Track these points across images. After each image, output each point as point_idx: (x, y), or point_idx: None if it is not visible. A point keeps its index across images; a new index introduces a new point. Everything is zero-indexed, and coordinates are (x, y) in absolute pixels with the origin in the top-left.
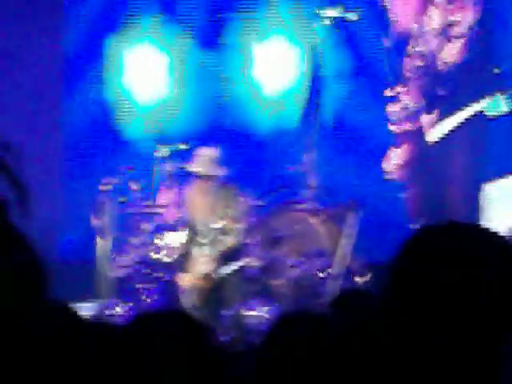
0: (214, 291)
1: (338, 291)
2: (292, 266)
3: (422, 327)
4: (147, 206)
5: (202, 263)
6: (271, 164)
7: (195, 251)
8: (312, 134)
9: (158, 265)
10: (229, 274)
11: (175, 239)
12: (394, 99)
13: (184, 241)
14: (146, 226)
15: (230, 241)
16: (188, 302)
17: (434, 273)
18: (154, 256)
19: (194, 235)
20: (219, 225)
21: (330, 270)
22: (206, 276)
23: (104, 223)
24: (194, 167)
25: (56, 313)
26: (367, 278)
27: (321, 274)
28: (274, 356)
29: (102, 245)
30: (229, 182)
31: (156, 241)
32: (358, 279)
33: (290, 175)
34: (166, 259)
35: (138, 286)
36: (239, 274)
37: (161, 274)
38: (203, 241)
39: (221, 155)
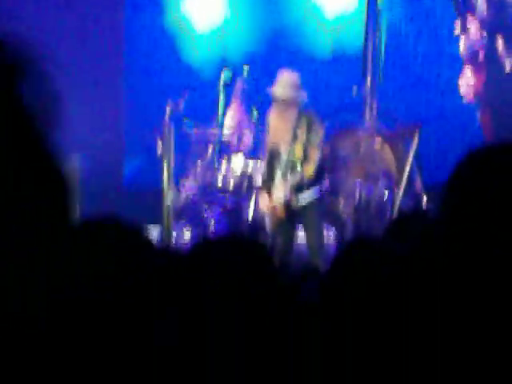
0: (291, 220)
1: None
2: (358, 188)
3: (478, 241)
4: (212, 129)
5: (282, 190)
6: (333, 88)
7: (276, 177)
8: (372, 58)
9: (225, 191)
10: (307, 204)
11: (240, 164)
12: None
13: (264, 165)
14: (211, 150)
15: (310, 168)
16: (267, 225)
17: (490, 187)
18: (219, 181)
19: (275, 160)
20: (301, 151)
21: (395, 191)
22: (285, 204)
23: (169, 148)
24: (276, 91)
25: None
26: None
27: (386, 195)
28: (335, 282)
29: (168, 170)
30: (308, 107)
31: (221, 165)
32: (423, 200)
33: (353, 99)
34: (231, 184)
35: (203, 211)
36: (317, 203)
37: (229, 201)
38: (284, 167)
39: (301, 80)
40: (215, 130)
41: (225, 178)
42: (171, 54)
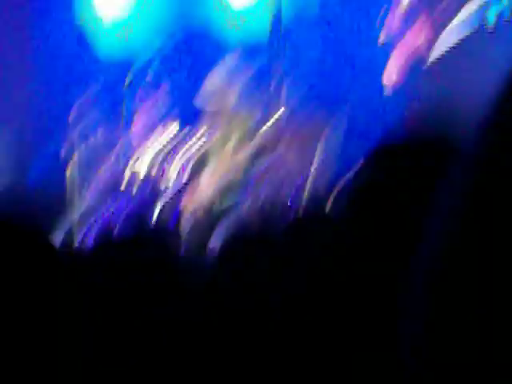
0: (209, 222)
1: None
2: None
3: None
4: (117, 131)
5: (206, 192)
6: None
7: (202, 178)
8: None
9: (126, 193)
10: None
11: (144, 167)
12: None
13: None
14: (115, 154)
15: (235, 173)
16: (184, 226)
17: None
18: (123, 185)
19: (203, 163)
20: (230, 152)
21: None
22: (206, 206)
23: (73, 150)
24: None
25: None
26: None
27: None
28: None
29: (72, 173)
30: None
31: (125, 169)
32: None
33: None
34: (134, 188)
35: (106, 215)
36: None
37: (129, 203)
38: (210, 169)
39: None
40: (120, 133)
41: (129, 181)
42: (78, 52)
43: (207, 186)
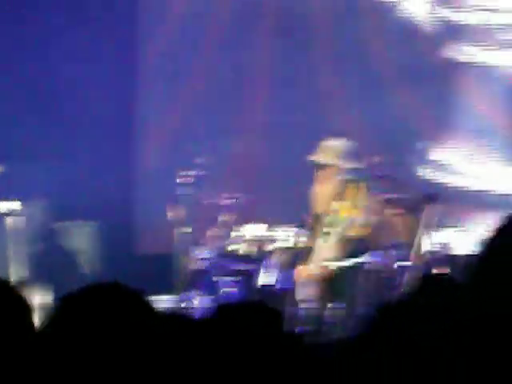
0: (331, 283)
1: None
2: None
3: None
4: (225, 198)
5: (325, 254)
6: None
7: (319, 242)
8: None
9: (236, 257)
10: (349, 268)
11: (253, 231)
12: None
13: (303, 233)
14: (224, 218)
15: (354, 234)
16: (302, 294)
17: None
18: (233, 248)
19: (318, 226)
20: (347, 216)
21: (406, 262)
22: (327, 267)
23: (181, 215)
24: (317, 158)
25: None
26: (446, 270)
27: (397, 266)
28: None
29: (180, 237)
30: (357, 175)
31: (234, 233)
32: (435, 271)
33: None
34: (245, 251)
35: (216, 278)
36: (358, 269)
37: (240, 267)
38: (327, 231)
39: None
40: (226, 198)
41: (236, 244)
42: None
43: (325, 248)
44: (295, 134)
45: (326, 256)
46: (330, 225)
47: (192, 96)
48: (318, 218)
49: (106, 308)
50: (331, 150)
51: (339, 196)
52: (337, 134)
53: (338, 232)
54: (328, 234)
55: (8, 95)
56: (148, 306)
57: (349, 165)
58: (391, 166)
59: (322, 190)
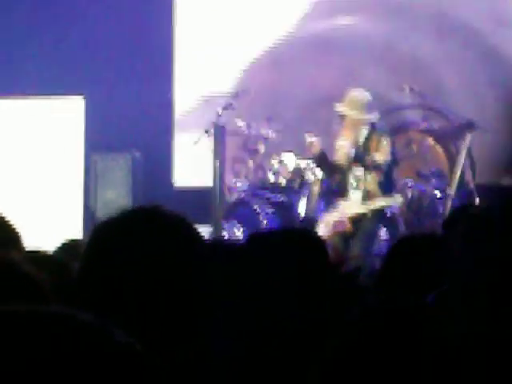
0: (356, 226)
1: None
2: (410, 187)
3: None
4: (262, 128)
5: (351, 204)
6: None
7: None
8: None
9: (276, 188)
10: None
11: (291, 160)
12: None
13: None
14: (262, 147)
15: (377, 178)
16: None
17: None
18: (271, 178)
19: (341, 176)
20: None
21: (447, 190)
22: (352, 214)
23: (219, 146)
24: (344, 110)
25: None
26: (485, 198)
27: (438, 194)
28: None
29: (218, 168)
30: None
31: (272, 161)
32: (475, 200)
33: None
34: (283, 181)
35: (257, 209)
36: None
37: (281, 198)
38: (353, 178)
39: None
40: (265, 130)
41: (276, 175)
42: None
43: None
44: None
45: (352, 205)
46: (354, 177)
47: None
48: (340, 170)
49: (150, 228)
50: (357, 102)
51: (363, 147)
52: None
53: (360, 183)
54: (352, 185)
55: None
56: (192, 229)
57: (373, 117)
58: (429, 95)
59: (346, 141)
